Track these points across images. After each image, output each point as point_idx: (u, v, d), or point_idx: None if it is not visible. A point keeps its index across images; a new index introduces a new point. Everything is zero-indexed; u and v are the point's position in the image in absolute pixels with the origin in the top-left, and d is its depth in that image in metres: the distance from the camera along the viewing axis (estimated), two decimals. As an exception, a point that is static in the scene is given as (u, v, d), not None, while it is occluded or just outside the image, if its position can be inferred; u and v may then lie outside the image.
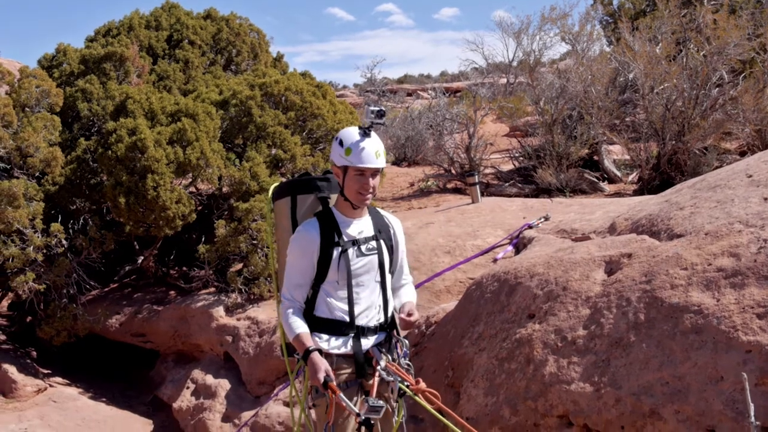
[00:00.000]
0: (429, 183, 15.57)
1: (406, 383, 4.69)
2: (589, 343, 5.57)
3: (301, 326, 4.69)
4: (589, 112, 14.40)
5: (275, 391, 8.04)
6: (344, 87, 48.72)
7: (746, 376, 3.08)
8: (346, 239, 4.75)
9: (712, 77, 12.58)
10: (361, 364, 4.78)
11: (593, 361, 5.47)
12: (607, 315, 5.61)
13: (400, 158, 19.18)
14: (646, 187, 12.55)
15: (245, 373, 8.73)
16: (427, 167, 17.41)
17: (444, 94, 22.02)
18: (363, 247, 4.80)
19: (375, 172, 4.71)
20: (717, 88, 12.79)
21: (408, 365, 4.85)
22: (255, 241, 9.58)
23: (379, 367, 4.72)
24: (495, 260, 7.82)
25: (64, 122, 11.27)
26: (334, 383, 4.49)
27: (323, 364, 4.53)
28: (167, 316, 10.29)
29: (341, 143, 4.68)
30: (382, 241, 4.90)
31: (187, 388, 9.31)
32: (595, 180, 13.81)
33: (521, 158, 15.98)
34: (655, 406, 4.99)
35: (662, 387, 5.01)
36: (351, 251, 4.76)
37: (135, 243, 11.60)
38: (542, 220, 8.36)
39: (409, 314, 4.84)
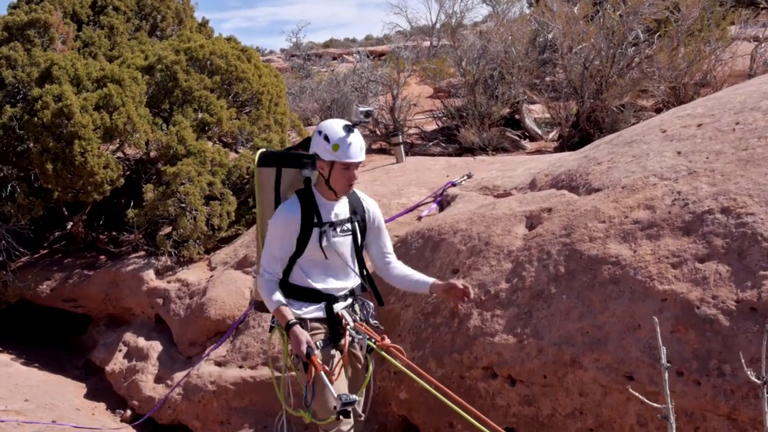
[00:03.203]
0: (354, 144, 15.55)
1: (373, 340, 5.06)
2: (512, 296, 5.70)
3: (281, 298, 5.01)
4: (510, 72, 14.55)
5: (206, 351, 8.06)
6: (271, 52, 48.29)
7: (657, 320, 3.20)
8: (324, 221, 5.04)
9: (628, 36, 12.80)
10: (335, 329, 5.10)
11: (516, 314, 5.60)
12: (529, 268, 5.74)
13: (326, 121, 19.12)
14: (566, 144, 12.75)
15: (176, 335, 8.72)
16: (352, 129, 17.39)
17: (368, 57, 21.97)
18: (338, 229, 5.11)
19: (358, 164, 5.00)
20: (633, 47, 13.02)
21: (376, 324, 5.24)
22: (183, 205, 9.53)
23: (349, 327, 5.07)
24: (420, 218, 7.91)
25: (-12, 90, 11.06)
26: (317, 355, 4.80)
27: (305, 337, 4.85)
28: (98, 280, 10.19)
29: (327, 139, 4.93)
30: (356, 223, 5.21)
31: (120, 351, 9.25)
32: (517, 138, 13.98)
33: (444, 118, 16.07)
34: (576, 355, 5.14)
35: (582, 336, 5.16)
36: (328, 232, 5.05)
37: (64, 209, 11.45)
38: (465, 177, 8.45)
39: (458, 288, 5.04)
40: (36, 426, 7.47)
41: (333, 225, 5.08)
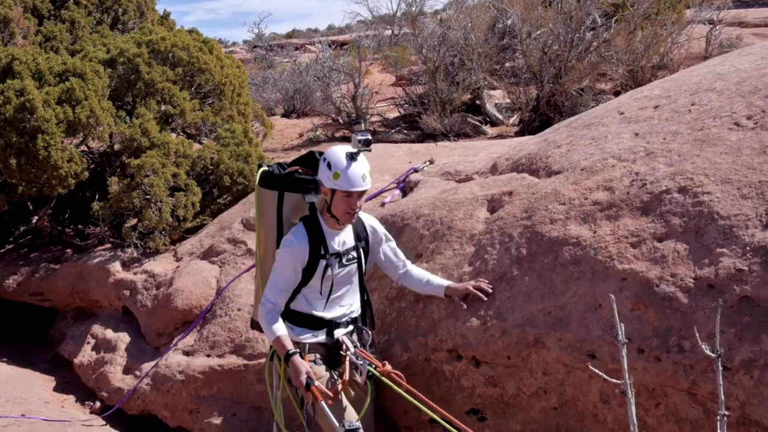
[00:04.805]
0: (317, 133, 15.60)
1: (374, 366, 5.16)
2: (475, 278, 5.75)
3: (281, 329, 5.10)
4: (470, 58, 14.63)
5: (174, 341, 8.06)
6: (234, 44, 48.35)
7: (614, 298, 3.27)
8: (330, 252, 5.14)
9: (585, 21, 12.91)
10: (333, 354, 5.26)
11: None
12: (491, 251, 5.79)
13: (289, 110, 19.18)
14: (526, 129, 12.85)
15: (144, 326, 8.71)
16: (315, 118, 17.49)
17: (330, 46, 22.03)
18: (344, 258, 5.22)
19: (361, 193, 5.04)
20: (591, 32, 13.14)
21: (374, 352, 5.41)
22: (148, 196, 9.51)
23: (349, 353, 5.20)
24: (383, 204, 7.93)
25: (-51, 86, 10.95)
26: (316, 385, 4.88)
27: (304, 367, 4.95)
28: (64, 273, 10.15)
29: (329, 166, 4.97)
30: (360, 249, 5.35)
31: (88, 343, 9.23)
32: (478, 124, 14.06)
33: (406, 105, 16.14)
34: (539, 336, 5.20)
35: (545, 317, 5.22)
36: (334, 263, 5.16)
37: (29, 203, 11.36)
38: (427, 163, 8.48)
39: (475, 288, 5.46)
40: (5, 420, 7.46)
41: (339, 255, 5.17)
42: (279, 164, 5.57)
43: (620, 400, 4.83)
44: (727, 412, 3.08)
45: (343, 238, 5.27)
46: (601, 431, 5.06)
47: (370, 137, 5.28)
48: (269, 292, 5.18)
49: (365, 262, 5.48)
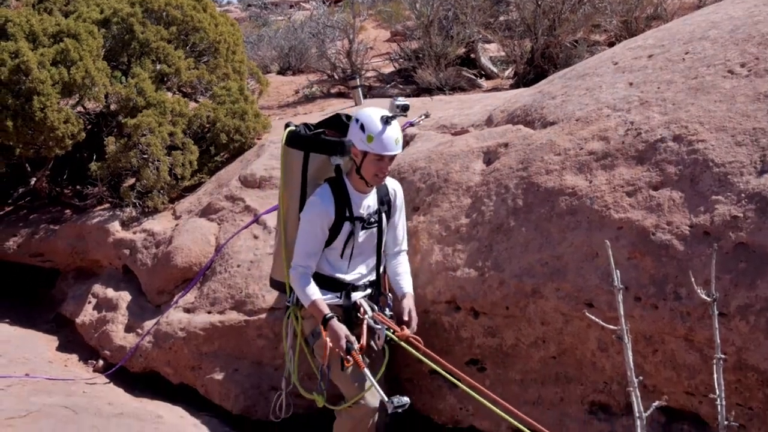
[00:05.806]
0: (313, 89, 15.53)
1: (392, 330, 5.19)
2: (472, 230, 5.79)
3: (316, 293, 5.16)
4: (464, 12, 14.54)
5: (175, 299, 8.08)
6: (228, 2, 47.81)
7: (609, 243, 3.29)
8: (355, 215, 5.20)
9: (580, -29, 12.84)
10: (349, 316, 5.29)
11: (477, 248, 5.69)
12: (488, 203, 5.82)
13: (284, 68, 19.09)
14: (521, 81, 12.79)
15: (144, 284, 8.71)
16: (311, 75, 17.42)
17: (324, 3, 21.94)
18: (367, 222, 5.28)
19: (392, 157, 5.11)
20: (585, -18, 13.07)
21: (392, 316, 5.39)
22: (145, 156, 9.48)
23: (366, 316, 5.26)
24: (379, 159, 7.96)
25: (-58, 50, 10.88)
26: (357, 350, 4.98)
27: (343, 332, 5.03)
28: (64, 234, 10.13)
29: (362, 128, 5.01)
30: (383, 213, 5.39)
31: (89, 302, 9.23)
32: (473, 77, 13.99)
33: (401, 60, 16.07)
34: (537, 286, 5.25)
35: (542, 267, 5.27)
36: (357, 226, 5.22)
37: (27, 165, 11.33)
38: (423, 117, 8.44)
39: (409, 320, 5.32)
40: (9, 380, 7.51)
41: (362, 219, 5.22)
42: (305, 125, 5.58)
43: (618, 348, 4.89)
44: (723, 356, 3.12)
45: (368, 202, 5.30)
46: (600, 379, 5.14)
47: (408, 103, 5.34)
48: (299, 256, 5.22)
49: (387, 223, 5.50)
